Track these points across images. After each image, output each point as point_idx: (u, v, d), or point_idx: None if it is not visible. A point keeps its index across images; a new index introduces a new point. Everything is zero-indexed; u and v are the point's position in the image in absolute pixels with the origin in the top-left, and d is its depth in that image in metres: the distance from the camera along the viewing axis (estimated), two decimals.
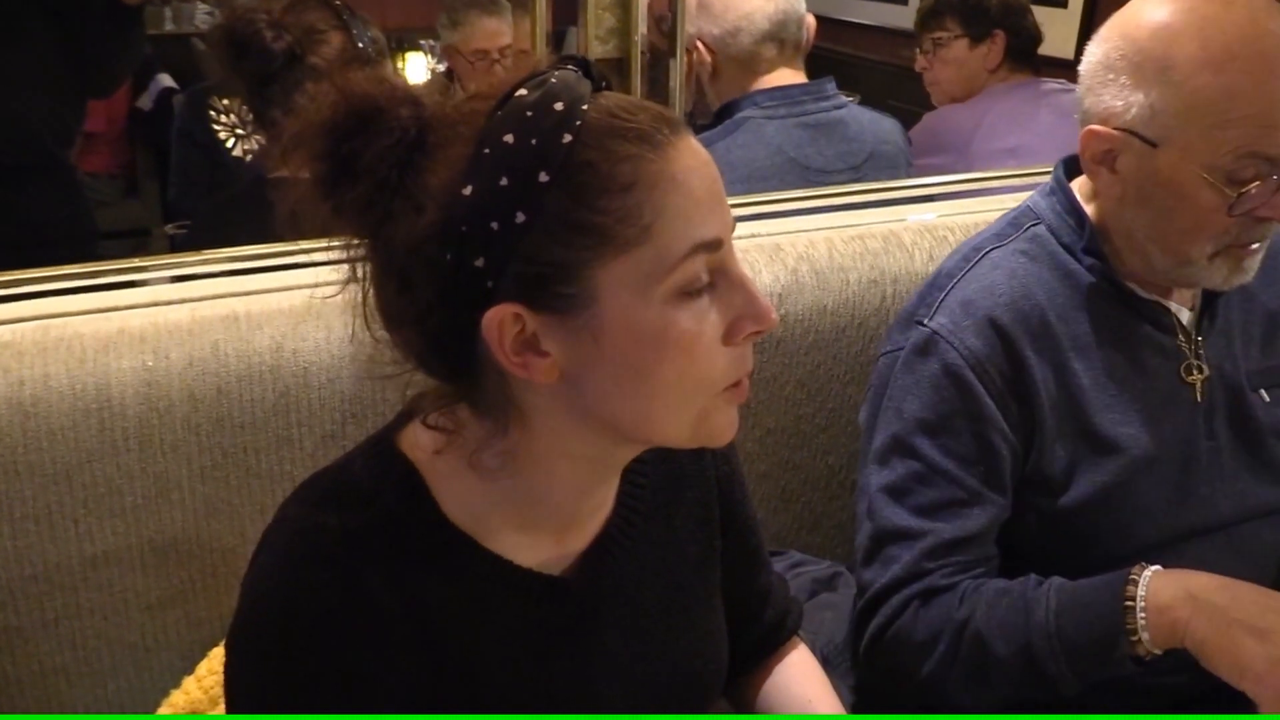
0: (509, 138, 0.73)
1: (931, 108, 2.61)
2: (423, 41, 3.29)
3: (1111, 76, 1.16)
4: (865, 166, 1.99)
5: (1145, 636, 1.06)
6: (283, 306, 1.25)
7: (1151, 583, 1.07)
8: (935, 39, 2.53)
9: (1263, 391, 1.28)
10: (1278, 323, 1.32)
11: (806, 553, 1.53)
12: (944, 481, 1.18)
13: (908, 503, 1.19)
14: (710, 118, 2.06)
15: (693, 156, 0.77)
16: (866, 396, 1.32)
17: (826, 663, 1.38)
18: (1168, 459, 1.22)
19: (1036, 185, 1.95)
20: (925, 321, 1.22)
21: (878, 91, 3.49)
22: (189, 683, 1.21)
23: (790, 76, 2.00)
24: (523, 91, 0.75)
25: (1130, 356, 1.23)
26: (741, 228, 1.53)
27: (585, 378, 0.77)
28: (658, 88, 1.43)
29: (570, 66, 0.79)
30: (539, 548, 0.87)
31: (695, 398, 0.79)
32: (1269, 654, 0.98)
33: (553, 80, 0.76)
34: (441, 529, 0.83)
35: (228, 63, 1.51)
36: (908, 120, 2.64)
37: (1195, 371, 1.24)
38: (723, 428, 0.82)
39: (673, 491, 0.96)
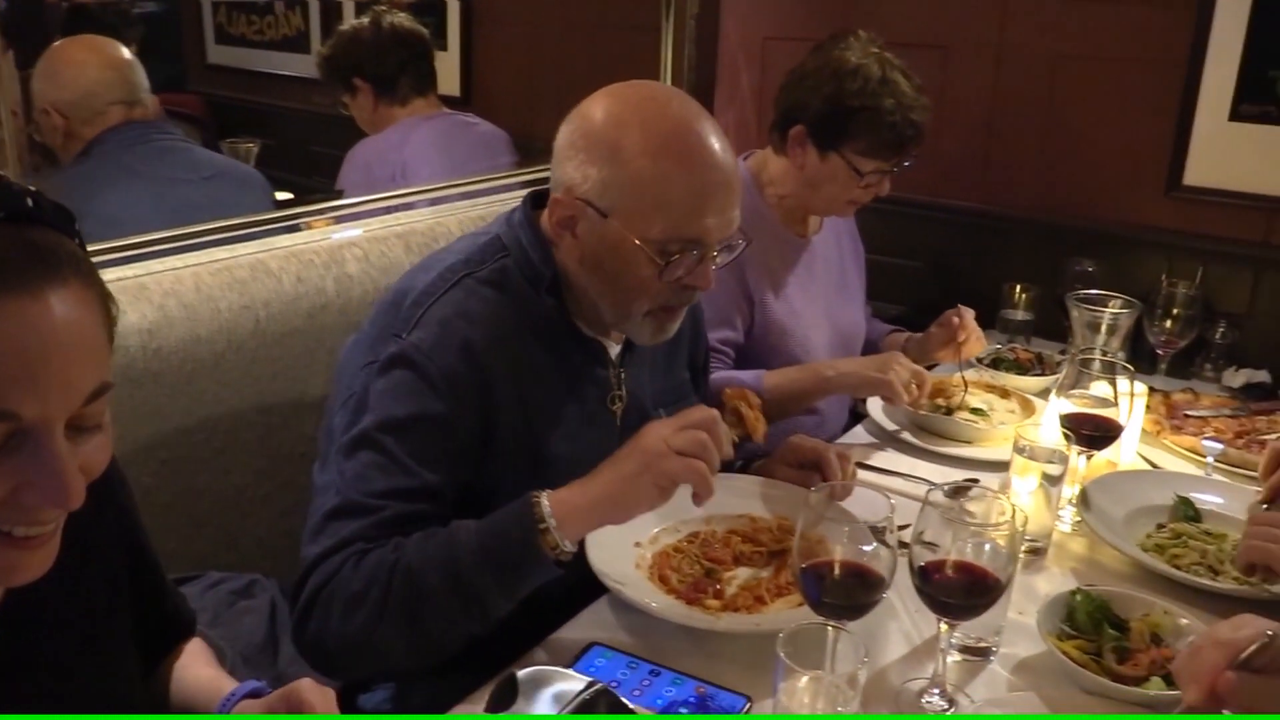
0: None
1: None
2: None
3: (573, 153, 1.36)
4: (215, 180, 2.32)
5: (553, 524, 1.23)
6: None
7: (549, 491, 1.26)
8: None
9: (661, 410, 1.56)
10: (675, 352, 1.63)
11: (229, 570, 1.60)
12: (401, 473, 1.29)
13: (365, 487, 1.29)
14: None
15: (19, 320, 0.77)
16: (341, 403, 1.40)
17: (248, 663, 1.47)
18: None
19: (412, 204, 2.14)
20: (404, 335, 1.34)
21: (298, 137, 3.59)
22: None
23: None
24: None
25: (571, 387, 1.45)
26: (106, 273, 1.56)
27: None
28: None
29: None
30: None
31: None
32: (629, 467, 1.26)
33: None
34: None
35: None
36: (330, 161, 2.78)
37: (617, 401, 1.50)
38: None
39: (80, 559, 0.98)
